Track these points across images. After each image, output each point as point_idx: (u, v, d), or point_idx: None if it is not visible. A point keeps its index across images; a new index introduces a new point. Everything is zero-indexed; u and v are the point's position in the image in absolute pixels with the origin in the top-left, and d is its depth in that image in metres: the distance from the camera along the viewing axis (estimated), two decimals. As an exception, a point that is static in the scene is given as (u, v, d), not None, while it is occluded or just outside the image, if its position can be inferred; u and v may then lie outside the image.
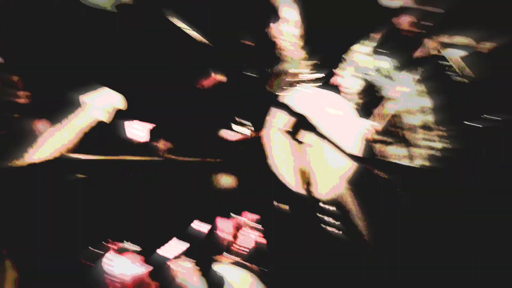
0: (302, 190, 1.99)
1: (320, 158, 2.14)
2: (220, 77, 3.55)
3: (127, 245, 4.32)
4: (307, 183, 1.99)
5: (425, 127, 3.72)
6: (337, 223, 2.90)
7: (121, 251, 4.19)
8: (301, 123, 2.00)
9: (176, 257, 4.37)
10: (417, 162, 3.64)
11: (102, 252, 4.01)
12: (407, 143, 3.70)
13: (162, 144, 4.21)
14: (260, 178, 2.67)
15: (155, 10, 3.76)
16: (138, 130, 4.30)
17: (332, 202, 2.95)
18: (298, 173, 2.01)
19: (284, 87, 2.93)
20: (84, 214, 3.74)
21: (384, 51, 3.82)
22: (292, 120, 2.01)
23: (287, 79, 3.04)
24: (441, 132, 3.73)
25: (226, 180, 2.60)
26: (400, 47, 3.78)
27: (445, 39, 3.62)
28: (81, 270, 3.83)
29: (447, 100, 3.73)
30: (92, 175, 3.05)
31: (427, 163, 3.64)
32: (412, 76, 3.66)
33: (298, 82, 3.04)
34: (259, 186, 2.76)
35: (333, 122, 2.35)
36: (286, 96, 2.62)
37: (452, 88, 3.75)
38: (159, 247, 4.29)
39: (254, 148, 2.72)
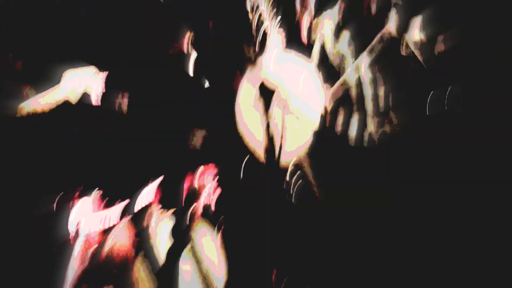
0: (266, 153, 2.15)
1: (286, 125, 2.30)
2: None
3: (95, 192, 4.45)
4: (272, 146, 2.15)
5: (375, 110, 3.95)
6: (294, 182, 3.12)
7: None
8: (270, 93, 2.15)
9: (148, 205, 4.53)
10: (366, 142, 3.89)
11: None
12: (358, 122, 3.93)
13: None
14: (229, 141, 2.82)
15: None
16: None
17: (293, 164, 3.17)
18: (265, 137, 2.17)
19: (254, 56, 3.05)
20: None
21: (346, 34, 4.00)
22: (262, 89, 2.15)
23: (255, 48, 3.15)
24: (389, 116, 3.97)
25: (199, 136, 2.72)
26: (362, 34, 3.96)
27: (405, 32, 3.80)
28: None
29: (398, 87, 3.96)
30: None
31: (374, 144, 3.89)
32: (368, 61, 3.82)
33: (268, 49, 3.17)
34: (227, 147, 2.90)
35: (299, 93, 2.51)
36: (256, 66, 2.75)
37: (404, 77, 3.99)
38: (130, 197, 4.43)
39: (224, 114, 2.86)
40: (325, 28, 3.94)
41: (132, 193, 4.51)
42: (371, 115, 3.91)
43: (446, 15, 3.77)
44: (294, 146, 2.80)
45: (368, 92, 3.89)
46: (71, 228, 4.15)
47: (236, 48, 3.18)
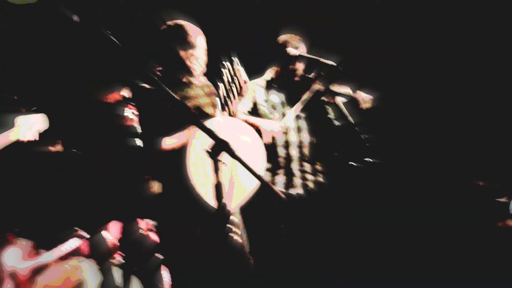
0: (213, 202, 2.29)
1: (232, 176, 2.47)
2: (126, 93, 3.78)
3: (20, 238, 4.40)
4: (219, 196, 2.29)
5: (301, 159, 4.21)
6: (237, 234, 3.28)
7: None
8: (218, 145, 2.31)
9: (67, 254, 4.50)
10: (293, 191, 4.12)
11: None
12: (287, 172, 4.17)
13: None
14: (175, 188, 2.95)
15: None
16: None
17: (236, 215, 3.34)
18: (212, 187, 2.31)
19: (200, 111, 3.21)
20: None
21: (276, 87, 4.27)
22: (210, 141, 2.30)
23: (200, 103, 3.31)
24: (314, 165, 4.24)
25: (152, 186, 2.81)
26: (291, 86, 4.24)
27: (330, 86, 4.11)
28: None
29: (321, 138, 4.26)
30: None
31: (301, 192, 4.13)
32: (296, 113, 4.09)
33: (210, 107, 3.33)
34: (171, 194, 3.02)
35: (243, 146, 2.69)
36: (204, 121, 2.92)
37: (328, 128, 4.29)
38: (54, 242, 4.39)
39: (172, 161, 3.00)
40: (256, 90, 4.21)
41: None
42: (296, 163, 4.17)
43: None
44: (240, 196, 2.99)
45: (294, 139, 4.15)
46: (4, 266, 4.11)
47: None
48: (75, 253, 4.54)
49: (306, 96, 3.98)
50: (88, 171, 3.17)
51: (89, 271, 4.13)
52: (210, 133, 2.35)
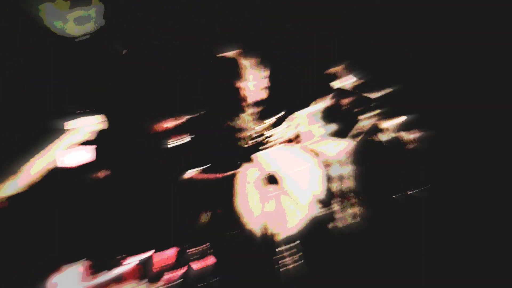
0: (265, 233, 2.33)
1: (285, 207, 2.52)
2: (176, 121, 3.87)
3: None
4: (270, 228, 2.34)
5: (349, 192, 4.22)
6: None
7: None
8: (270, 177, 2.38)
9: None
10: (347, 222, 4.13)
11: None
12: (341, 204, 4.19)
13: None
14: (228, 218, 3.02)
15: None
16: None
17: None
18: (263, 219, 2.36)
19: (252, 143, 3.27)
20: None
21: (324, 119, 4.32)
22: (262, 173, 2.38)
23: (253, 136, 3.36)
24: (360, 199, 4.25)
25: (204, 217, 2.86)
26: (337, 119, 4.29)
27: (378, 121, 4.14)
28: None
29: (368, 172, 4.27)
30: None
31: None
32: (345, 145, 4.15)
33: (264, 139, 3.38)
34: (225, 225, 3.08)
35: (296, 176, 2.75)
36: (257, 152, 3.00)
37: (377, 163, 4.30)
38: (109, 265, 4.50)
39: (224, 193, 3.07)
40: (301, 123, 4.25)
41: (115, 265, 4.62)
42: (342, 195, 4.18)
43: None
44: (289, 225, 3.03)
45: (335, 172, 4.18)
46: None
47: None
48: (131, 276, 4.64)
49: (357, 130, 4.01)
50: (142, 196, 3.23)
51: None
52: (262, 162, 2.44)
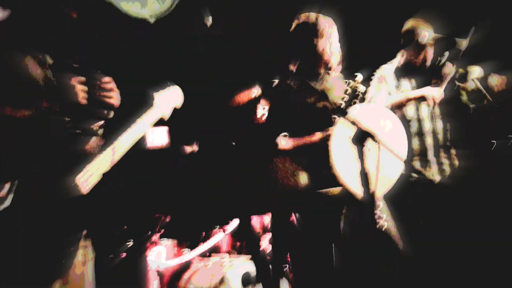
0: (360, 189, 2.28)
1: (377, 163, 2.44)
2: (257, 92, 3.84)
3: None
4: (366, 183, 2.28)
5: (437, 146, 4.09)
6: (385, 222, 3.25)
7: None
8: (362, 133, 2.30)
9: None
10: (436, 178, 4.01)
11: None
12: (424, 159, 4.08)
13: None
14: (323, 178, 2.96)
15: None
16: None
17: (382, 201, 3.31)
18: (358, 175, 2.30)
19: (340, 101, 3.19)
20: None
21: (407, 74, 4.19)
22: (352, 130, 2.30)
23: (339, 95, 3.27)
24: (450, 151, 4.11)
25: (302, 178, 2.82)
26: (421, 72, 4.15)
27: (462, 68, 3.98)
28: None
29: (457, 122, 4.12)
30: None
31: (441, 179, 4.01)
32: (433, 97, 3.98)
33: (352, 98, 3.30)
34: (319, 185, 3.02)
35: (385, 132, 2.66)
36: (345, 109, 2.92)
37: (464, 113, 4.14)
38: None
39: (317, 152, 3.01)
40: (387, 76, 4.15)
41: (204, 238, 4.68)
42: (431, 150, 4.07)
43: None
44: (385, 182, 2.97)
45: (427, 126, 4.06)
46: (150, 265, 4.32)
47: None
48: (218, 249, 4.69)
49: (445, 82, 3.87)
50: (225, 169, 3.19)
51: (231, 267, 4.24)
52: (353, 122, 2.36)
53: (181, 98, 3.28)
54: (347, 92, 2.92)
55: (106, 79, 2.72)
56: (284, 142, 3.22)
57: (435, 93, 3.83)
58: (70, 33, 2.67)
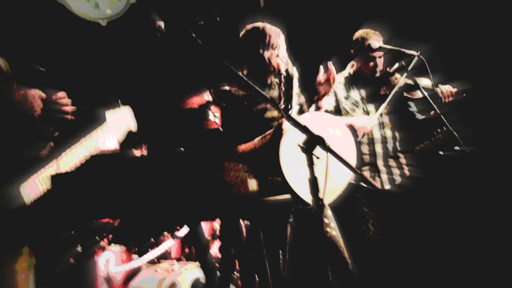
0: (309, 197, 2.29)
1: (326, 171, 2.45)
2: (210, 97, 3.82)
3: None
4: (315, 190, 2.29)
5: (386, 154, 4.16)
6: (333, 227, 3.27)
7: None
8: (312, 140, 2.31)
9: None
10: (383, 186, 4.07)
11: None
12: (374, 168, 4.14)
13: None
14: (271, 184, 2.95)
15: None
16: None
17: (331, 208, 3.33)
18: (307, 182, 2.31)
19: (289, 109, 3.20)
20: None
21: (356, 83, 4.25)
22: (302, 136, 2.31)
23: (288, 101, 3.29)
24: (399, 159, 4.18)
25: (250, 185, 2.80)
26: (370, 82, 4.21)
27: (412, 79, 4.05)
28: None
29: (405, 131, 4.19)
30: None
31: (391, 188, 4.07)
32: (377, 108, 4.05)
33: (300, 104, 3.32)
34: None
35: (334, 140, 2.68)
36: (296, 117, 2.92)
37: (411, 122, 4.22)
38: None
39: (266, 159, 3.00)
40: (336, 87, 4.19)
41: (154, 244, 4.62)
42: (381, 159, 4.13)
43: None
44: (333, 190, 2.98)
45: (377, 135, 4.12)
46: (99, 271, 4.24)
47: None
48: (167, 256, 4.64)
49: (392, 93, 3.92)
50: (175, 174, 3.15)
51: (181, 274, 4.19)
52: (303, 128, 2.36)
53: (133, 121, 3.25)
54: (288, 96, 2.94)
55: (61, 94, 2.72)
56: (236, 147, 3.23)
57: (366, 122, 3.88)
58: (23, 36, 2.65)
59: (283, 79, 3.55)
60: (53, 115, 2.66)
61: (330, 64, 3.26)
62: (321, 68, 3.31)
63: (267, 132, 3.11)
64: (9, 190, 2.39)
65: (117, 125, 3.09)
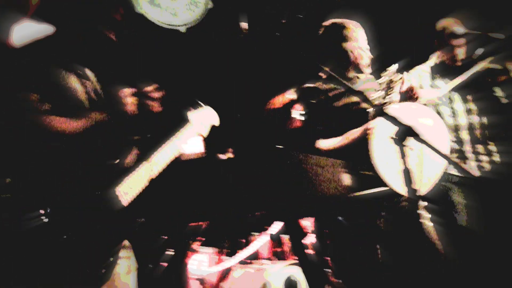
0: (404, 189, 2.23)
1: (420, 161, 2.38)
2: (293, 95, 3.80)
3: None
4: (409, 182, 2.22)
5: (474, 141, 4.01)
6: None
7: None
8: (403, 131, 2.24)
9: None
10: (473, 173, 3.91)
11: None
12: (461, 155, 3.99)
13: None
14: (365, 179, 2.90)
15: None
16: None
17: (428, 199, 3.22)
18: (400, 174, 2.25)
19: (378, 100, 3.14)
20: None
21: (441, 73, 4.13)
22: (393, 128, 2.24)
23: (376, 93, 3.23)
24: (488, 146, 4.02)
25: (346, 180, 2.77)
26: (455, 71, 4.07)
27: (494, 64, 3.90)
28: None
29: (493, 117, 4.03)
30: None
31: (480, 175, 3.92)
32: (462, 95, 3.93)
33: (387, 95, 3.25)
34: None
35: (425, 129, 2.60)
36: (384, 108, 2.85)
37: (498, 108, 4.05)
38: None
39: (357, 153, 2.96)
40: (422, 76, 4.10)
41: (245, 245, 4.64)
42: (468, 145, 3.99)
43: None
44: (430, 181, 2.89)
45: (463, 121, 3.98)
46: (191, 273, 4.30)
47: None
48: (258, 256, 4.65)
49: (469, 73, 3.79)
50: (263, 174, 3.14)
51: (272, 273, 4.18)
52: (394, 119, 2.30)
53: (216, 118, 3.31)
54: (382, 86, 2.85)
55: (152, 87, 2.77)
56: (323, 143, 3.20)
57: (434, 95, 3.81)
58: (109, 49, 2.71)
59: (369, 72, 3.49)
60: (145, 109, 2.71)
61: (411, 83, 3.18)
62: (405, 75, 3.24)
63: (359, 128, 3.06)
64: (108, 194, 2.44)
65: (200, 123, 3.15)
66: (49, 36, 2.57)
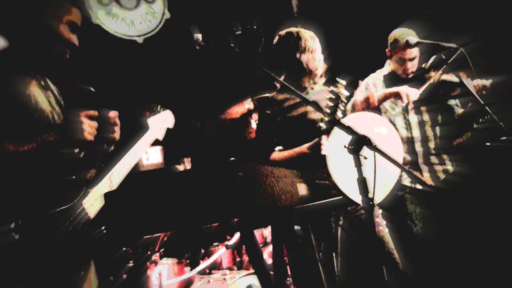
0: (359, 198, 2.24)
1: (374, 170, 2.38)
2: (251, 105, 3.79)
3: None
4: (364, 190, 2.23)
5: (428, 153, 4.06)
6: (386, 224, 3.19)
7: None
8: (358, 140, 2.25)
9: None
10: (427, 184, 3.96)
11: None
12: (415, 167, 4.04)
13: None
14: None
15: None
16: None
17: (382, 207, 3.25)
18: (355, 182, 2.25)
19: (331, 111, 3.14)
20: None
21: (394, 82, 4.16)
22: (348, 137, 2.25)
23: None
24: (441, 156, 4.07)
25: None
26: (407, 80, 4.12)
27: (448, 75, 3.95)
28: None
29: (446, 127, 4.09)
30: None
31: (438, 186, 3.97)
32: (416, 106, 3.98)
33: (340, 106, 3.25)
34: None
35: (379, 139, 2.61)
36: (338, 118, 2.86)
37: (450, 117, 4.11)
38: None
39: (312, 163, 2.95)
40: (376, 85, 4.13)
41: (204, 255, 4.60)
42: (421, 157, 4.03)
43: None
44: (384, 189, 2.89)
45: (416, 134, 4.03)
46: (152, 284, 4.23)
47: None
48: (218, 266, 4.61)
49: (431, 80, 3.82)
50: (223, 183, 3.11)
51: (233, 283, 4.15)
52: (348, 129, 2.31)
53: (172, 120, 3.31)
54: (331, 98, 2.85)
55: (112, 114, 2.67)
56: (277, 154, 3.19)
57: (411, 92, 3.75)
58: (68, 59, 2.65)
59: (322, 82, 3.49)
60: (106, 135, 2.63)
61: (369, 91, 3.18)
62: (360, 83, 3.25)
63: (314, 140, 3.06)
64: (74, 208, 2.41)
65: (158, 127, 3.15)
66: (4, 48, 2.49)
